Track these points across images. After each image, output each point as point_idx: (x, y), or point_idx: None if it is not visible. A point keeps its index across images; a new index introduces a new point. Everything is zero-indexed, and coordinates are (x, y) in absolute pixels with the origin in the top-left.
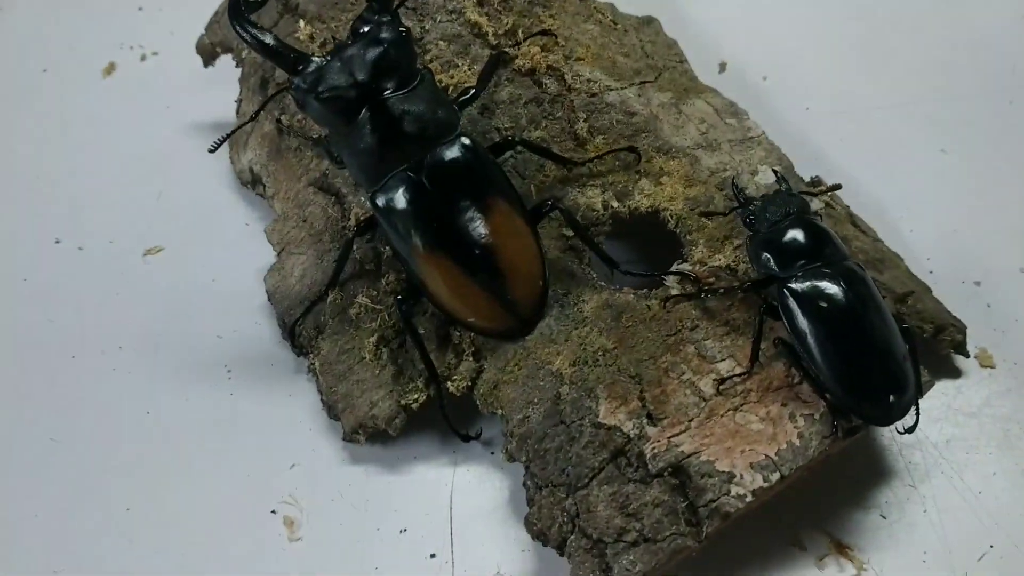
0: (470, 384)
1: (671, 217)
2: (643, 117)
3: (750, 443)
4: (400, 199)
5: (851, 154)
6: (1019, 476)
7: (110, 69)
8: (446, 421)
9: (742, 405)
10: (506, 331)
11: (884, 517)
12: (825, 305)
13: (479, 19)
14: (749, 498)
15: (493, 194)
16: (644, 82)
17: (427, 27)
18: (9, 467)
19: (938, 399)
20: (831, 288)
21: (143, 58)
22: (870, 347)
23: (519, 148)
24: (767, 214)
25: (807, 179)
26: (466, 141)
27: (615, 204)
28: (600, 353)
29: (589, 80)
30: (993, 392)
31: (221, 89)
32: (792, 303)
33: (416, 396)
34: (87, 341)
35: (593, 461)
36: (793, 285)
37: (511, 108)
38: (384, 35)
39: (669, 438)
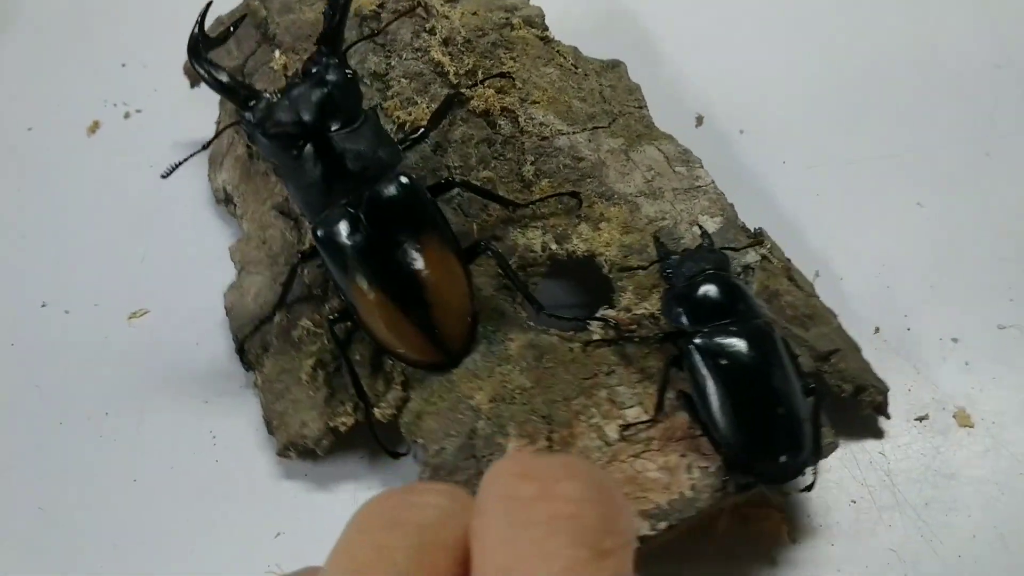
0: (396, 412)
1: (605, 262)
2: (590, 162)
3: (644, 490)
4: (338, 232)
5: (827, 207)
6: (998, 539)
7: (94, 127)
8: (376, 440)
9: (643, 452)
10: (433, 363)
11: None
12: (725, 362)
13: (442, 58)
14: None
15: (427, 232)
16: (596, 127)
17: (392, 63)
18: None
19: (917, 460)
20: (735, 346)
21: (127, 115)
22: (766, 405)
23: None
24: (683, 269)
25: (753, 230)
26: (404, 180)
27: (554, 247)
28: (518, 391)
29: (541, 123)
30: (972, 452)
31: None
32: (695, 357)
33: (344, 419)
34: (74, 406)
35: None
36: (697, 340)
37: (463, 147)
38: (331, 76)
39: None
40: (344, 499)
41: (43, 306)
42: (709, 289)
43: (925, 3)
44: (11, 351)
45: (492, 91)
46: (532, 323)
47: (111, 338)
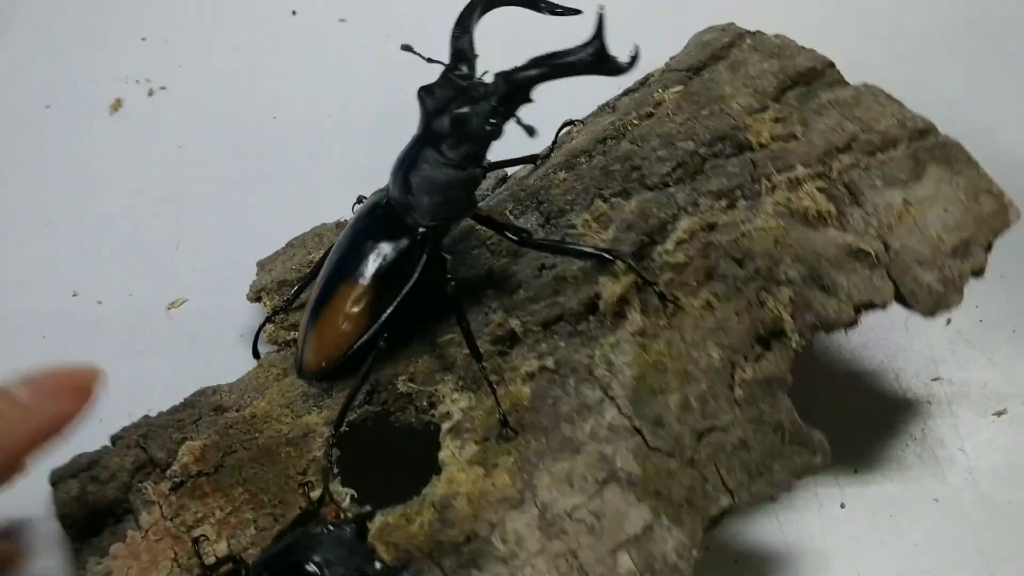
0: None
1: None
2: None
3: None
4: (359, 208)
5: None
6: None
7: (117, 105)
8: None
9: None
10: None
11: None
12: None
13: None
14: None
15: (384, 282)
16: None
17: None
18: None
19: (999, 455)
20: None
21: (151, 92)
22: None
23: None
24: None
25: None
26: (421, 231)
27: None
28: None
29: None
30: None
31: (234, 124)
32: None
33: None
34: (112, 404)
35: None
36: None
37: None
38: (483, 111)
39: None
40: None
41: (74, 295)
42: None
43: None
44: (42, 343)
45: None
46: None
47: (148, 330)
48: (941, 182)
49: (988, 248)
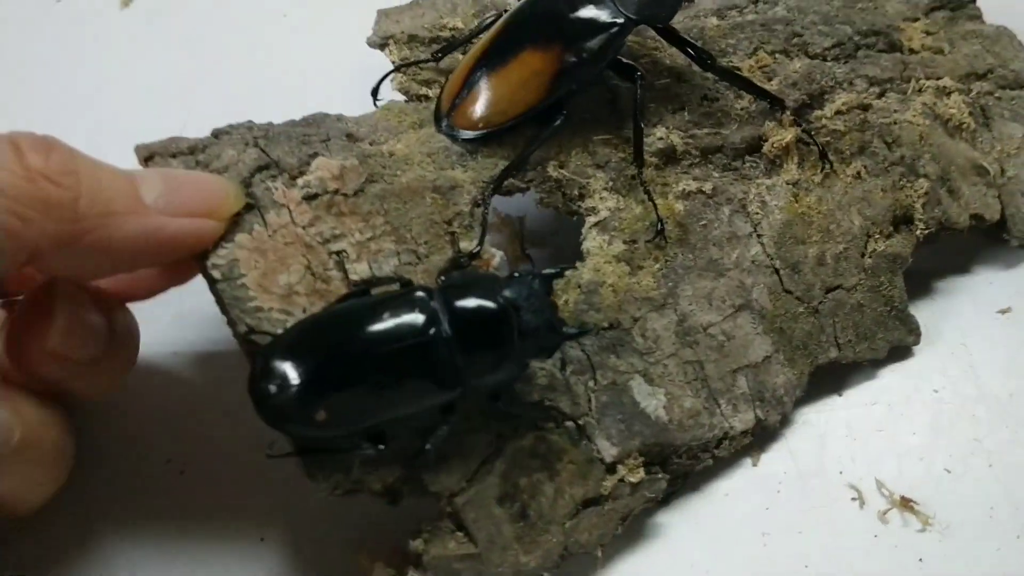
0: None
1: None
2: None
3: None
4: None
5: None
6: None
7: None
8: None
9: None
10: None
11: (948, 471)
12: None
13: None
14: None
15: (577, 58)
16: None
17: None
18: None
19: (1000, 351)
20: None
21: None
22: None
23: None
24: None
25: None
26: (623, 20)
27: None
28: None
29: None
30: None
31: (244, 18)
32: None
33: None
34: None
35: None
36: None
37: None
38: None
39: None
40: None
41: None
42: None
43: None
44: None
45: None
46: None
47: None
48: None
49: None
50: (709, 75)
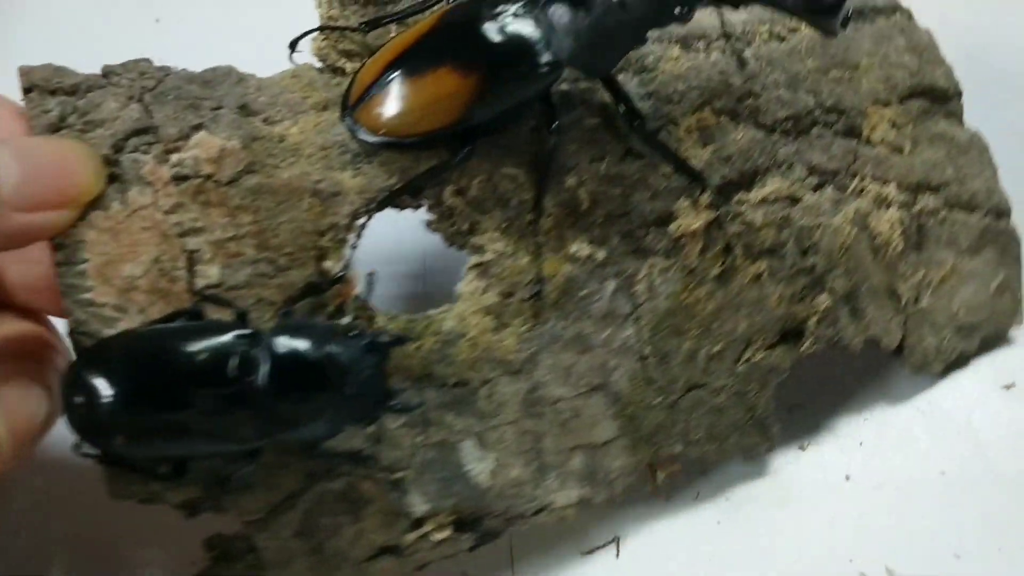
0: None
1: None
2: None
3: None
4: None
5: None
6: None
7: None
8: None
9: None
10: None
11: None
12: None
13: None
14: None
15: (500, 89)
16: None
17: None
18: None
19: (1007, 428)
20: None
21: None
22: None
23: None
24: None
25: None
26: (554, 62)
27: None
28: None
29: None
30: None
31: None
32: None
33: None
34: None
35: None
36: None
37: None
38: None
39: None
40: None
41: None
42: None
43: None
44: None
45: None
46: None
47: None
48: (987, 265)
49: (983, 341)
50: None
